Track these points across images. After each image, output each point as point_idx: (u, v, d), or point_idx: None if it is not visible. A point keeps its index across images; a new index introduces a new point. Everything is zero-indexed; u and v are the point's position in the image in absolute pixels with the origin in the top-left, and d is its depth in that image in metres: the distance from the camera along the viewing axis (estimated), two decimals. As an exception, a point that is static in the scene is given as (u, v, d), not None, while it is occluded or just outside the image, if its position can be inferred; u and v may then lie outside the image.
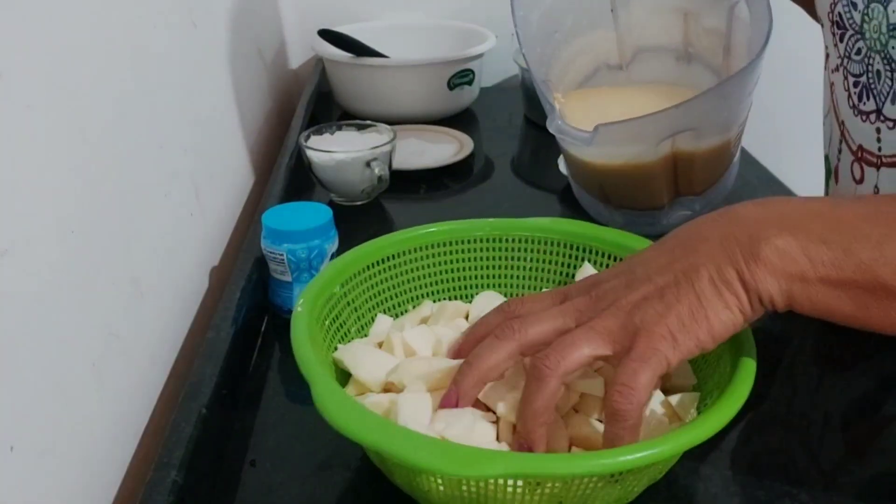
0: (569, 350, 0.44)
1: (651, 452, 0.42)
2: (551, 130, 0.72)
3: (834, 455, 0.55)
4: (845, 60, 0.64)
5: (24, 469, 0.41)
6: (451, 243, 0.64)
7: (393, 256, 0.62)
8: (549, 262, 0.65)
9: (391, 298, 0.63)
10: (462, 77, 1.15)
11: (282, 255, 0.68)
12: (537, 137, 1.13)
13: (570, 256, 0.64)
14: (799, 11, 0.76)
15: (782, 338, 0.67)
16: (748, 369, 0.48)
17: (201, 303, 0.73)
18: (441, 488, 0.45)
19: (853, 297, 0.44)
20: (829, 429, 0.58)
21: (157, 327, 0.62)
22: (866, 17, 0.60)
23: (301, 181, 0.94)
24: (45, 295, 0.45)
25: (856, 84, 0.63)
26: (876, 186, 0.63)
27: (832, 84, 0.68)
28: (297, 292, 0.70)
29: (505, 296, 0.65)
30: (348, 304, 0.59)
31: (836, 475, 0.53)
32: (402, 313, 0.63)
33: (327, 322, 0.56)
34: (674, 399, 0.52)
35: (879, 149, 0.62)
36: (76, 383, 0.48)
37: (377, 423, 0.44)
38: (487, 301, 0.63)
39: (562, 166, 0.93)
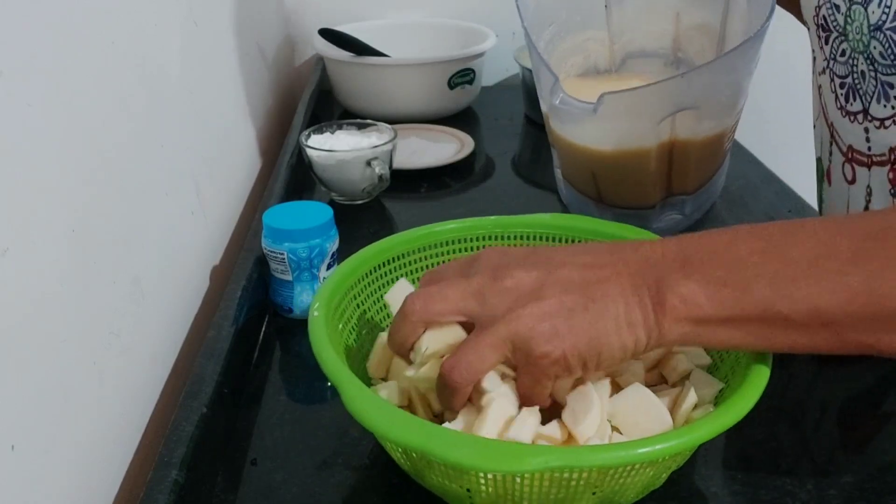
0: (474, 364, 0.46)
1: (690, 438, 0.44)
2: (555, 103, 0.71)
3: (835, 454, 0.55)
4: (831, 62, 0.64)
5: (24, 469, 0.41)
6: (455, 242, 0.65)
7: (399, 257, 0.62)
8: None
9: None
10: (463, 76, 1.15)
11: (282, 254, 0.68)
12: (538, 136, 1.13)
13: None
14: (789, 16, 0.76)
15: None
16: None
17: (202, 302, 0.73)
18: (483, 486, 0.45)
19: (755, 330, 0.45)
20: (830, 428, 0.58)
21: (158, 326, 0.62)
22: (849, 19, 0.60)
23: (302, 180, 0.94)
24: (45, 294, 0.45)
25: (842, 85, 0.63)
26: (868, 186, 0.64)
27: (820, 87, 0.68)
28: (298, 291, 0.70)
29: None
30: (358, 305, 0.59)
31: (838, 474, 0.53)
32: None
33: (340, 325, 0.56)
34: (695, 385, 0.53)
35: (869, 148, 0.62)
36: (77, 383, 0.48)
37: (415, 425, 0.44)
38: None
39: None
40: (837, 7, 0.61)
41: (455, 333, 0.48)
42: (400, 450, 0.48)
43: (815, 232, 0.46)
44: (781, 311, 0.44)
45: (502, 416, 0.49)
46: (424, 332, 0.49)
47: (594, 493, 0.46)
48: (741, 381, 0.47)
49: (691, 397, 0.51)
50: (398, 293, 0.55)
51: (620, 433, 0.50)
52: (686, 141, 0.73)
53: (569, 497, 0.45)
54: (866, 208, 0.65)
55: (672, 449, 0.43)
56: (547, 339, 0.45)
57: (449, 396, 0.48)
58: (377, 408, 0.45)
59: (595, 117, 0.68)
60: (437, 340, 0.49)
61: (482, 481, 0.45)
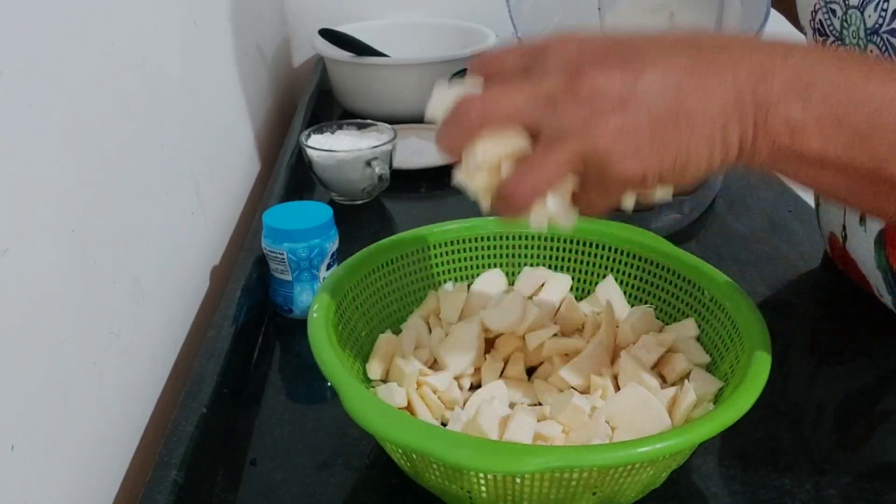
0: (539, 185, 0.41)
1: (690, 437, 0.43)
2: None
3: (834, 453, 0.55)
4: None
5: (24, 469, 0.41)
6: (455, 242, 0.65)
7: (399, 258, 0.62)
8: (551, 258, 0.66)
9: (398, 301, 0.63)
10: (463, 76, 1.14)
11: (282, 254, 0.68)
12: (538, 136, 1.13)
13: (573, 251, 0.65)
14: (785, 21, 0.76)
15: (783, 336, 0.67)
16: (764, 346, 0.49)
17: (202, 302, 0.73)
18: (483, 487, 0.45)
19: (848, 183, 0.40)
20: (829, 427, 0.58)
21: (158, 326, 0.62)
22: (845, 23, 0.59)
23: (302, 180, 0.94)
24: (45, 295, 0.45)
25: None
26: None
27: None
28: (298, 291, 0.70)
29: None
30: (358, 307, 0.59)
31: (837, 474, 0.53)
32: (408, 314, 0.63)
33: (339, 326, 0.56)
34: (695, 384, 0.53)
35: None
36: (77, 383, 0.48)
37: (415, 426, 0.44)
38: (490, 278, 0.65)
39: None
40: (833, 11, 0.61)
41: (515, 142, 0.41)
42: (400, 451, 0.48)
43: None
44: (891, 173, 0.39)
45: (495, 416, 0.50)
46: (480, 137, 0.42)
47: (594, 494, 0.46)
48: (740, 380, 0.47)
49: (690, 396, 0.51)
50: (440, 100, 0.45)
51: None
52: None
53: (568, 497, 0.45)
54: (863, 213, 0.64)
55: (672, 448, 0.43)
56: (627, 157, 0.39)
57: (508, 213, 0.42)
58: (376, 409, 0.45)
59: None
60: (493, 148, 0.41)
61: (481, 482, 0.45)
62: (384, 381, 0.57)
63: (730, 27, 0.74)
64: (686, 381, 0.53)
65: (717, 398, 0.52)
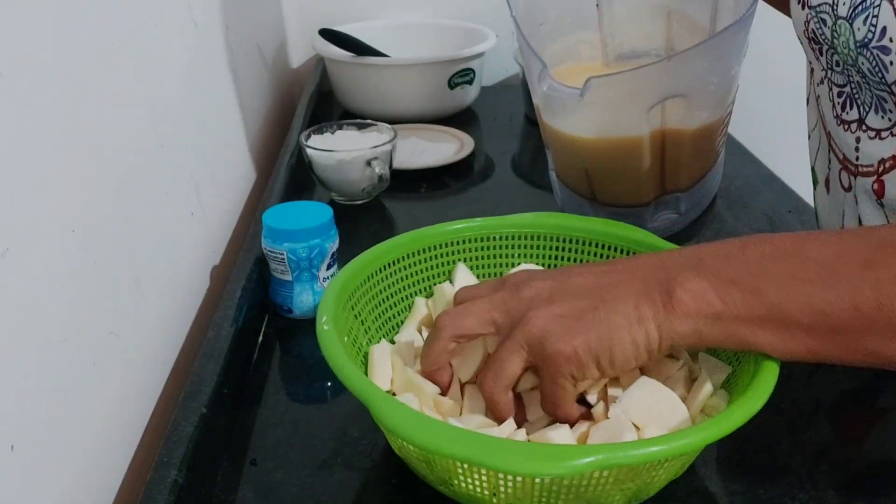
0: (500, 373, 0.49)
1: (715, 430, 0.45)
2: (543, 89, 0.71)
3: (833, 453, 0.55)
4: (829, 72, 0.64)
5: (24, 469, 0.41)
6: (457, 242, 0.65)
7: (390, 265, 0.62)
8: (537, 257, 0.66)
9: (391, 308, 0.62)
10: (463, 76, 1.15)
11: (282, 254, 0.68)
12: (538, 136, 1.13)
13: (560, 249, 0.66)
14: (785, 25, 0.75)
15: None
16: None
17: (202, 302, 0.73)
18: (510, 489, 0.45)
19: (770, 333, 0.46)
20: (828, 426, 0.58)
21: (158, 326, 0.62)
22: (835, 34, 0.59)
23: (302, 180, 0.94)
24: (45, 295, 0.45)
25: (840, 94, 0.63)
26: (855, 195, 0.64)
27: (818, 97, 0.68)
28: (298, 291, 0.70)
29: None
30: (357, 315, 0.58)
31: (836, 473, 0.53)
32: (401, 322, 0.63)
33: (345, 337, 0.55)
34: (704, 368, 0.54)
35: (857, 158, 0.62)
36: (76, 383, 0.48)
37: (464, 436, 0.44)
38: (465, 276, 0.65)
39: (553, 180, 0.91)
40: (824, 21, 0.61)
41: (478, 353, 0.53)
42: (423, 460, 0.47)
43: (828, 240, 0.47)
44: (792, 314, 0.45)
45: (508, 428, 0.50)
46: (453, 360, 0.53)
47: (622, 489, 0.46)
48: (754, 369, 0.48)
49: (707, 388, 0.51)
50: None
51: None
52: (677, 132, 0.73)
53: (604, 495, 0.45)
54: (859, 215, 0.64)
55: (715, 434, 0.44)
56: (558, 337, 0.47)
57: (490, 409, 0.51)
58: (418, 422, 0.44)
59: (583, 104, 0.68)
60: (466, 368, 0.53)
61: (509, 484, 0.45)
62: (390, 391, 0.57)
63: (725, 22, 0.74)
64: (701, 371, 0.53)
65: (728, 385, 0.53)
